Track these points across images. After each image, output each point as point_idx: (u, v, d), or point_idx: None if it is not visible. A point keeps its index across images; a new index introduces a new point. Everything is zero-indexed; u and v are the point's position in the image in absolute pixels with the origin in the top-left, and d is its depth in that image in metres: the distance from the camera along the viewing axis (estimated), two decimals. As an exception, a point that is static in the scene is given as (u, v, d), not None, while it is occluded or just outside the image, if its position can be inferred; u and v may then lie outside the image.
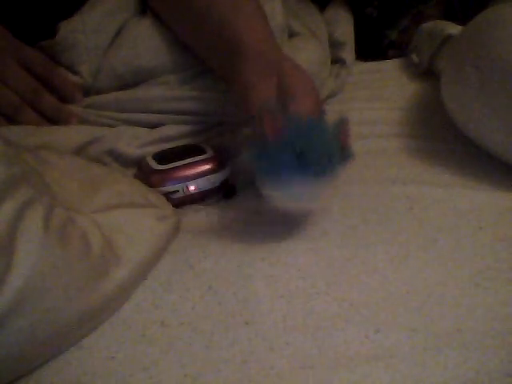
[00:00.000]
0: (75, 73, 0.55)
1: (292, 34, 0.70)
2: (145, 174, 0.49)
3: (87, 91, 0.56)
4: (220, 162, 0.50)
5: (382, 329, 0.33)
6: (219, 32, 0.48)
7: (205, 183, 0.48)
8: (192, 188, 0.48)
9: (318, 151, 0.37)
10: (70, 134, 0.51)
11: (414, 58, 0.79)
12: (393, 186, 0.49)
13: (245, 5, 0.49)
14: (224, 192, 0.50)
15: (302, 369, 0.31)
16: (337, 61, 0.75)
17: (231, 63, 0.47)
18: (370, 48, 0.83)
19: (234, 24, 0.48)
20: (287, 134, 0.37)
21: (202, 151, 0.50)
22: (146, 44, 0.55)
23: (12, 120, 0.52)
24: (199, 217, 0.47)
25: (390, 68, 0.80)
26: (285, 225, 0.44)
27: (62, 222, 0.34)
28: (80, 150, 0.50)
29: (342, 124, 0.40)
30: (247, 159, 0.41)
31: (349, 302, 0.35)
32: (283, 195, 0.39)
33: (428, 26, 0.77)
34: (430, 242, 0.41)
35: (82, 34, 0.54)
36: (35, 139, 0.49)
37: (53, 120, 0.53)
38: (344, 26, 0.78)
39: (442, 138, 0.57)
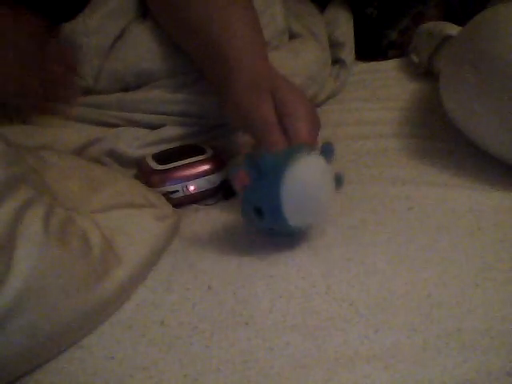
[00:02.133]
0: (77, 75, 0.55)
1: (292, 35, 0.70)
2: (145, 174, 0.49)
3: (88, 92, 0.56)
4: (220, 162, 0.50)
5: (382, 329, 0.33)
6: (211, 50, 0.48)
7: (204, 183, 0.48)
8: (192, 188, 0.48)
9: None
10: (70, 135, 0.51)
11: (414, 58, 0.79)
12: (393, 186, 0.49)
13: (237, 22, 0.49)
14: (223, 192, 0.50)
15: (302, 369, 0.31)
16: (337, 61, 0.75)
17: (223, 82, 0.47)
18: (369, 48, 0.83)
19: (224, 44, 0.47)
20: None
21: (201, 151, 0.50)
22: (147, 47, 0.55)
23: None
24: (199, 217, 0.47)
25: (389, 68, 0.80)
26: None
27: (62, 221, 0.34)
28: (80, 151, 0.51)
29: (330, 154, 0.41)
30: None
31: (349, 302, 0.35)
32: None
33: (427, 26, 0.77)
34: (430, 242, 0.41)
35: (84, 36, 0.54)
36: (35, 140, 0.49)
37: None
38: (344, 26, 0.78)
39: (442, 138, 0.57)
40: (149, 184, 0.47)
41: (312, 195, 0.38)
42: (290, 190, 0.37)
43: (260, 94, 0.43)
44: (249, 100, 0.43)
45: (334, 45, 0.75)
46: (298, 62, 0.63)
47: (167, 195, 0.47)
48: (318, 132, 0.43)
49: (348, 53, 0.75)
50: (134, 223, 0.40)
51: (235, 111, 0.45)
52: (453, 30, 0.69)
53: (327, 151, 0.40)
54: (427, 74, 0.74)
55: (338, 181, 0.41)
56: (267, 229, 0.41)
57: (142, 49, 0.55)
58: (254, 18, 0.51)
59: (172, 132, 0.54)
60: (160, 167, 0.48)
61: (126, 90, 0.56)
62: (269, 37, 0.64)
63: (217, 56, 0.48)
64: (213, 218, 0.47)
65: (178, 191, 0.48)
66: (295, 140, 0.40)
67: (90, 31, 0.54)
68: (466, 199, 0.45)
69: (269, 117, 0.42)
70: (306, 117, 0.42)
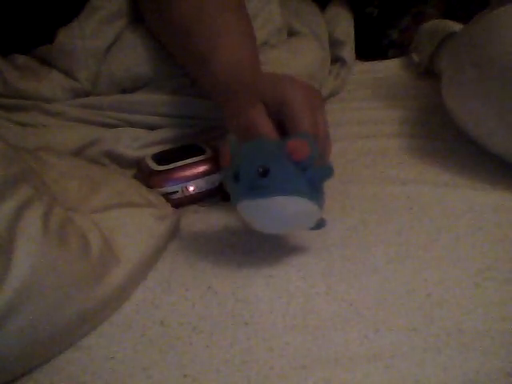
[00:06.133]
0: (73, 78, 0.55)
1: (292, 33, 0.70)
2: (144, 175, 0.49)
3: (86, 96, 0.56)
4: (219, 163, 0.50)
5: (382, 329, 0.33)
6: (200, 64, 0.48)
7: (204, 184, 0.48)
8: (191, 188, 0.48)
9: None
10: (69, 136, 0.51)
11: (415, 57, 0.79)
12: (393, 186, 0.49)
13: (226, 36, 0.48)
14: (223, 192, 0.50)
15: (302, 369, 0.31)
16: (337, 60, 0.75)
17: (216, 94, 0.47)
18: (370, 47, 0.83)
19: (212, 59, 0.46)
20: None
21: (201, 151, 0.50)
22: (144, 50, 0.55)
23: None
24: (199, 217, 0.47)
25: (390, 68, 0.80)
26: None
27: (62, 221, 0.34)
28: (79, 152, 0.50)
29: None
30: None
31: (349, 302, 0.35)
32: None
33: (429, 25, 0.77)
34: (430, 242, 0.41)
35: (80, 40, 0.54)
36: (35, 140, 0.49)
37: None
38: (344, 25, 0.78)
39: (442, 138, 0.57)
40: (148, 185, 0.47)
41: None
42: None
43: (249, 104, 0.41)
44: (243, 111, 0.42)
45: (335, 43, 0.75)
46: (298, 60, 0.63)
47: (167, 196, 0.47)
48: (320, 115, 0.41)
49: (348, 51, 0.75)
50: (133, 223, 0.40)
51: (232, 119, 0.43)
52: (455, 27, 0.69)
53: (319, 174, 0.37)
54: (428, 73, 0.74)
55: (319, 225, 0.40)
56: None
57: (139, 53, 0.55)
58: (246, 28, 0.50)
59: (171, 133, 0.54)
60: (159, 168, 0.48)
61: (123, 92, 0.56)
62: (267, 35, 0.64)
63: (203, 73, 0.47)
64: (213, 218, 0.47)
65: (177, 192, 0.48)
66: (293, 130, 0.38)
67: (86, 35, 0.54)
68: (466, 199, 0.45)
69: (258, 119, 0.40)
70: (301, 105, 0.39)
